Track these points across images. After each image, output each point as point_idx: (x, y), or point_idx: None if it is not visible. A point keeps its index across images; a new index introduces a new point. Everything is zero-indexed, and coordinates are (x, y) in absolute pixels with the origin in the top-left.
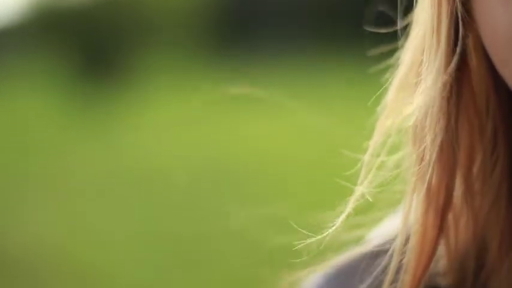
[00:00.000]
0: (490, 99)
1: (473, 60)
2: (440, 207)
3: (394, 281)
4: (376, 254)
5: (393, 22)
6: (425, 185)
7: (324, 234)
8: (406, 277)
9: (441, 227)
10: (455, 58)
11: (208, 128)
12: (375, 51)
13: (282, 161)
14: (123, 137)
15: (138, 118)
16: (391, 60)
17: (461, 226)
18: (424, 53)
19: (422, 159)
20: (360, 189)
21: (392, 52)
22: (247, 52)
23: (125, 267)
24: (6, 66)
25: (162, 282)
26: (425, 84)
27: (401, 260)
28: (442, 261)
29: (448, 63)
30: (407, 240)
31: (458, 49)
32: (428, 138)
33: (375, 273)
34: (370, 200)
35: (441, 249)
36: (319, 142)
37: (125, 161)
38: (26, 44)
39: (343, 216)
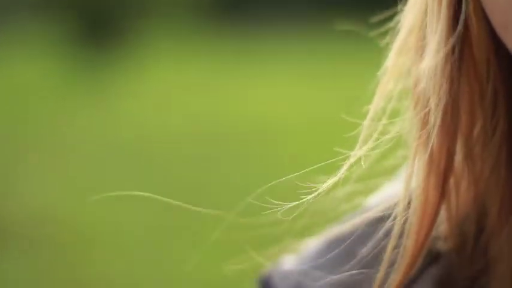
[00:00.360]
0: (491, 63)
1: (474, 24)
2: (441, 172)
3: (397, 246)
4: (378, 220)
5: None
6: (428, 149)
7: (316, 193)
8: (408, 242)
9: (443, 191)
10: (460, 23)
11: (207, 95)
12: (367, 19)
13: (280, 126)
14: (122, 103)
15: (138, 84)
16: (385, 27)
17: (462, 191)
18: (427, 16)
19: (425, 124)
20: (357, 153)
21: (388, 19)
22: (246, 20)
23: (123, 229)
24: (4, 31)
25: (159, 243)
26: (427, 49)
27: (403, 225)
28: (442, 226)
29: (450, 27)
30: (409, 205)
31: (462, 15)
32: (432, 102)
33: (377, 238)
34: (368, 167)
35: (442, 214)
36: (314, 107)
37: (124, 127)
38: (25, 9)
39: (337, 177)
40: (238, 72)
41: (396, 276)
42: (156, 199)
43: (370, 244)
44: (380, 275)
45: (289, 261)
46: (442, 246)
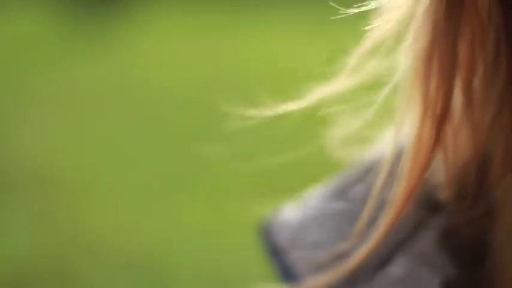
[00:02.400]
0: (493, 6)
1: None
2: (437, 116)
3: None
4: (371, 168)
5: None
6: (422, 92)
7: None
8: (399, 188)
9: (437, 137)
10: None
11: (208, 45)
12: None
13: (277, 75)
14: (122, 55)
15: (138, 36)
16: None
17: (460, 139)
18: None
19: (420, 63)
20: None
21: None
22: None
23: (123, 178)
24: None
25: (159, 193)
26: None
27: (393, 171)
28: (441, 175)
29: None
30: (401, 153)
31: None
32: (425, 42)
33: (368, 183)
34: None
35: (441, 164)
36: (312, 57)
37: (124, 79)
38: None
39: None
40: (239, 21)
41: (384, 220)
42: (157, 149)
43: (361, 190)
44: (364, 215)
45: (290, 210)
46: (440, 195)
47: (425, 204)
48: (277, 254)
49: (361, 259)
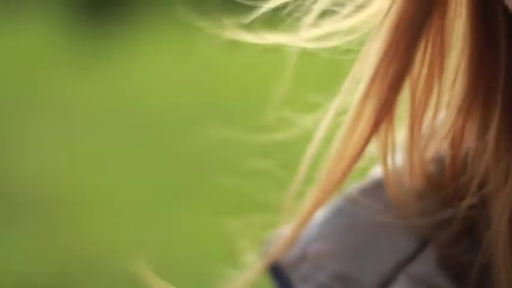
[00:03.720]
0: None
1: None
2: (379, 105)
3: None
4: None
5: None
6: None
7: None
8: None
9: (375, 126)
10: None
11: (208, 67)
12: None
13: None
14: (123, 71)
15: (139, 53)
16: None
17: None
18: None
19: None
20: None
21: None
22: None
23: (125, 195)
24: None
25: (158, 206)
26: None
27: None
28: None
29: None
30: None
31: None
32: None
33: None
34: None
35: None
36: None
37: (125, 94)
38: None
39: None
40: (233, 43)
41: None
42: (154, 164)
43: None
44: (293, 186)
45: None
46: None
47: (425, 224)
48: (279, 274)
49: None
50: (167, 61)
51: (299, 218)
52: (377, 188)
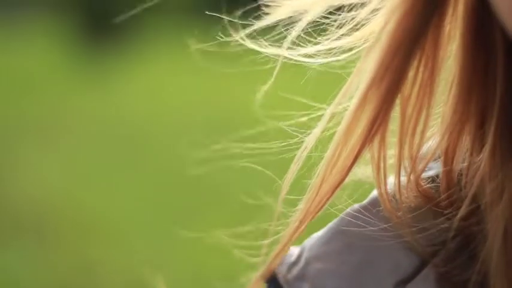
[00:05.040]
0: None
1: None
2: (372, 114)
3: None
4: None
5: None
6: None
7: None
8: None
9: (369, 134)
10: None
11: (200, 85)
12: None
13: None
14: (122, 92)
15: (137, 74)
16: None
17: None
18: None
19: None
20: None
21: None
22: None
23: (122, 214)
24: (11, 23)
25: (158, 229)
26: None
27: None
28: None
29: None
30: None
31: None
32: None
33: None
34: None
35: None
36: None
37: (124, 115)
38: (31, 3)
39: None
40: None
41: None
42: (153, 182)
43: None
44: (282, 192)
45: (293, 253)
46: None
47: (422, 242)
48: None
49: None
50: (164, 79)
51: (291, 228)
52: (376, 206)
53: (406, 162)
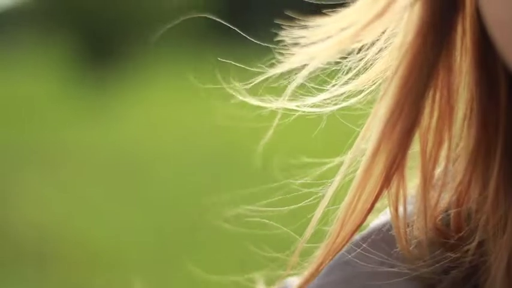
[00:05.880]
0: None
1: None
2: (390, 159)
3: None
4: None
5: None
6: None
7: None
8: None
9: (387, 179)
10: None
11: (201, 120)
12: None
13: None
14: (121, 122)
15: (136, 103)
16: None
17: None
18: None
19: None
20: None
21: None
22: (246, 44)
23: (126, 245)
24: (10, 52)
25: (163, 259)
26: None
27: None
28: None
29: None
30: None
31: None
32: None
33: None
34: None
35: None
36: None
37: (124, 144)
38: (26, 27)
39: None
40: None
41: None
42: (153, 212)
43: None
44: (302, 241)
45: (294, 283)
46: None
47: (429, 275)
48: None
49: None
50: (165, 107)
51: (308, 272)
52: (379, 237)
53: (426, 198)
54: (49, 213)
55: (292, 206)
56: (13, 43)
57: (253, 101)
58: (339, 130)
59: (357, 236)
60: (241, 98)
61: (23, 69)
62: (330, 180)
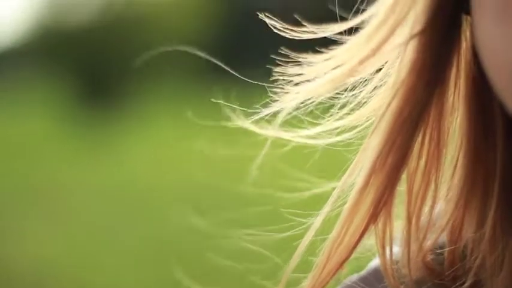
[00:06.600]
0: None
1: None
2: (378, 193)
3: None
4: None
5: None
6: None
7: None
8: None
9: (374, 214)
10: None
11: (197, 153)
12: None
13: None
14: (121, 158)
15: (135, 140)
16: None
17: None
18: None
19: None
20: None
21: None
22: (243, 83)
23: (122, 284)
24: (8, 91)
25: None
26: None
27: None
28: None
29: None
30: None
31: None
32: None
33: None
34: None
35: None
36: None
37: (123, 182)
38: (25, 66)
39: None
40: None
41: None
42: (152, 248)
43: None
44: (287, 272)
45: None
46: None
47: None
48: None
49: None
50: (164, 144)
51: None
52: (375, 277)
53: (412, 237)
54: (47, 251)
55: (283, 235)
56: (12, 83)
57: (252, 127)
58: (332, 158)
59: (355, 276)
60: (240, 133)
61: (22, 109)
62: (317, 212)
